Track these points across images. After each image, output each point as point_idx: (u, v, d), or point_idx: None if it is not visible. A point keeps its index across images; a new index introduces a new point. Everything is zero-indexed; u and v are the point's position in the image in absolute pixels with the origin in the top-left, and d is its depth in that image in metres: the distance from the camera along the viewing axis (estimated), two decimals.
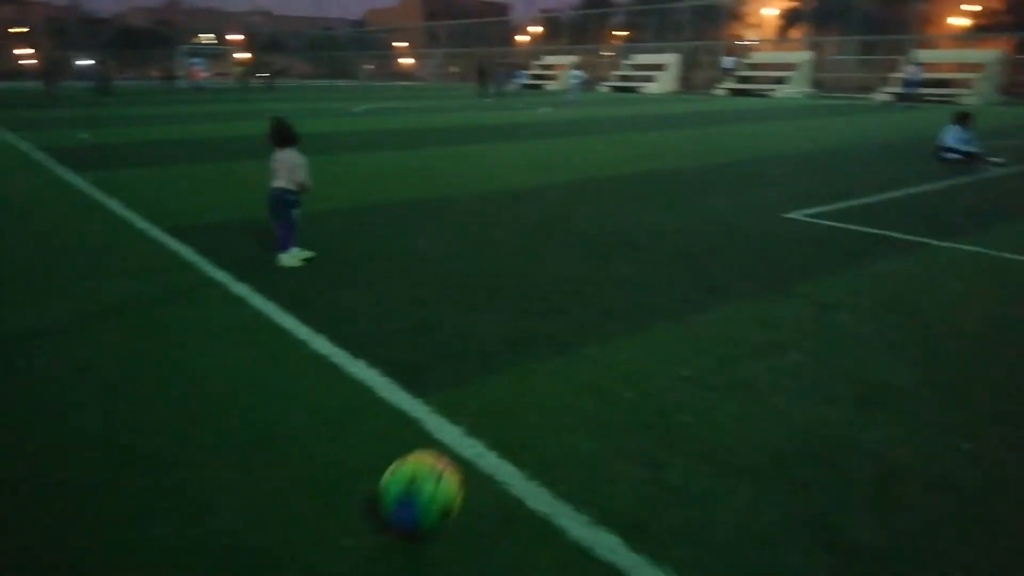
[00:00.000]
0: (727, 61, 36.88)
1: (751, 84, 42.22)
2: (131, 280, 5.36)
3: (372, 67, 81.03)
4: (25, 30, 77.99)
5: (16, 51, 74.85)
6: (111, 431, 3.19)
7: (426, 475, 2.42)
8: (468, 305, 4.89)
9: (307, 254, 5.86)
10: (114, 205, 8.05)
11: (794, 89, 40.44)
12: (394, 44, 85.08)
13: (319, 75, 79.02)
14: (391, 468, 2.49)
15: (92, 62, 64.16)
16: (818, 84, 43.78)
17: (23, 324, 4.51)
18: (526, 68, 54.10)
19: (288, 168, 5.65)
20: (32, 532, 2.53)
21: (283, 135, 5.70)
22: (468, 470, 2.78)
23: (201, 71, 42.50)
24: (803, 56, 42.63)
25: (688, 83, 46.01)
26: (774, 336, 4.36)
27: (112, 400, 3.48)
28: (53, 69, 35.26)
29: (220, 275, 5.42)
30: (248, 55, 74.17)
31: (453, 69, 76.15)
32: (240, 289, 5.08)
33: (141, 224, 7.11)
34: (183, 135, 15.98)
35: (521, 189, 9.49)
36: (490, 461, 2.95)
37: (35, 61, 71.69)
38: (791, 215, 7.89)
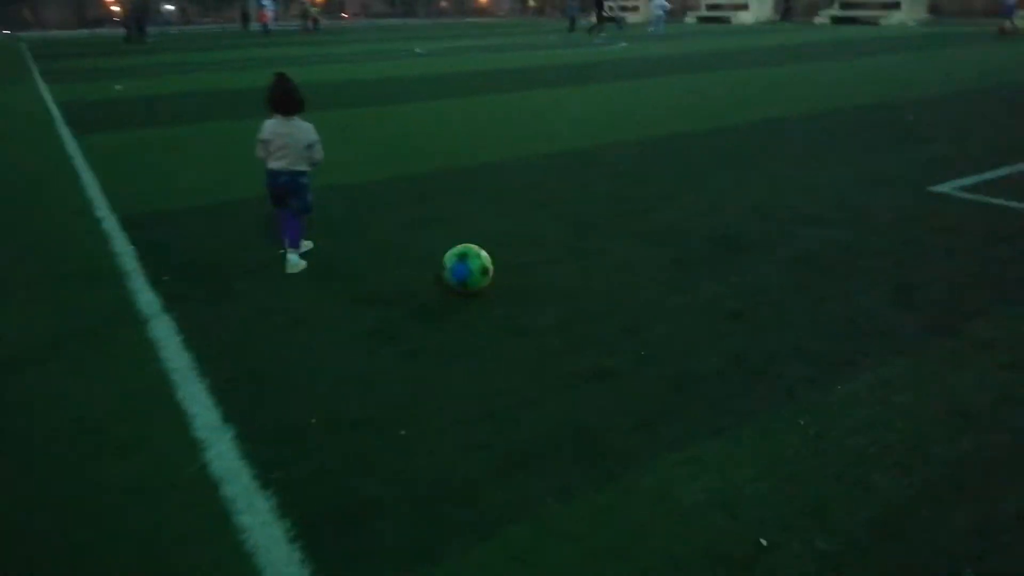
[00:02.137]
0: None
1: (857, 11, 37.95)
2: (25, 303, 3.96)
3: (446, 3, 78.49)
4: None
5: None
6: None
7: (472, 250, 3.84)
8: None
9: (308, 245, 4.53)
10: (87, 179, 6.72)
11: (907, 15, 36.07)
12: None
13: (393, 14, 77.09)
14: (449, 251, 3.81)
15: (172, 8, 64.34)
16: (935, 9, 39.02)
17: None
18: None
19: (303, 145, 4.23)
20: None
21: (291, 99, 4.20)
22: None
23: (268, 13, 41.24)
24: None
25: (786, 10, 41.79)
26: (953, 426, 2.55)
27: None
28: (139, 15, 34.56)
29: (146, 298, 3.94)
30: None
31: (531, 2, 72.67)
32: (159, 328, 3.59)
33: (101, 210, 5.73)
34: (215, 85, 14.65)
35: (587, 149, 7.65)
36: None
37: (119, 8, 72.68)
38: (940, 188, 5.82)
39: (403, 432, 2.66)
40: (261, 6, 43.27)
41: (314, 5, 59.39)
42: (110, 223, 5.36)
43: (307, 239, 4.51)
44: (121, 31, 34.44)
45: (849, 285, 3.92)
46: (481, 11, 77.90)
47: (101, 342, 3.47)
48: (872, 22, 35.54)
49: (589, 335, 3.41)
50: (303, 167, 4.27)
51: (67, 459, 2.58)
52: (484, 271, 3.81)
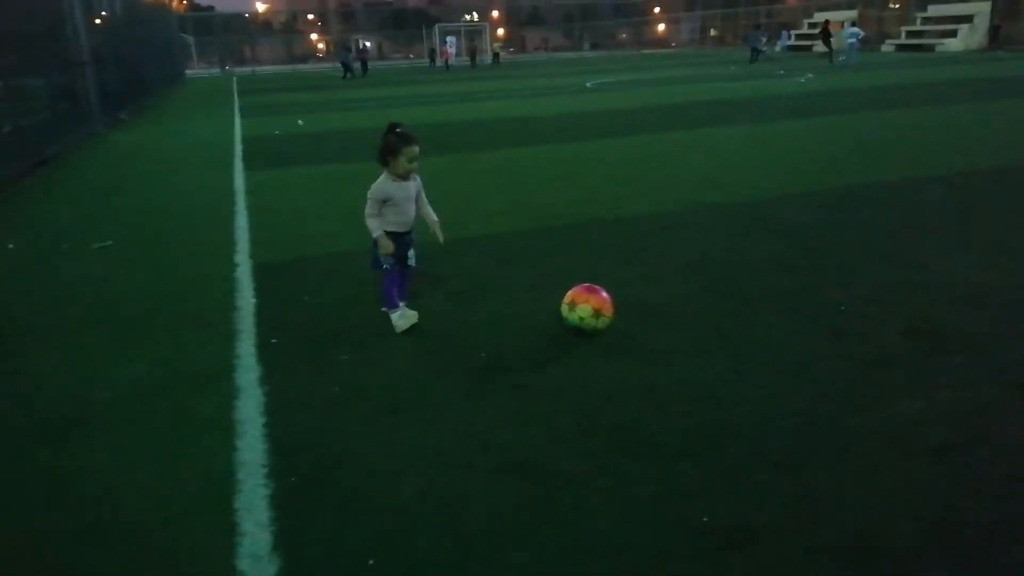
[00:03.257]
0: None
1: None
2: (122, 350, 3.83)
3: (625, 36, 78.43)
4: (311, 17, 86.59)
5: (312, 36, 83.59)
6: None
7: (584, 321, 3.73)
8: None
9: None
10: (240, 219, 6.84)
11: None
12: (652, 10, 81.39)
13: (572, 47, 78.22)
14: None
15: (368, 44, 69.36)
16: None
17: None
18: (792, 27, 48.15)
19: (419, 201, 4.01)
20: None
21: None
22: None
23: (450, 50, 43.08)
24: None
25: (1000, 38, 37.33)
26: None
27: None
28: (363, 56, 36.62)
29: (246, 364, 3.68)
30: (503, 32, 75.54)
31: (712, 32, 70.78)
32: (248, 405, 3.28)
33: (241, 254, 5.72)
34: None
35: (752, 200, 6.77)
36: None
37: (323, 45, 79.59)
38: None
39: None
40: (444, 43, 45.44)
41: (497, 41, 61.73)
42: (244, 270, 5.29)
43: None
44: (334, 66, 36.99)
45: None
46: (658, 42, 76.99)
47: (183, 413, 3.21)
48: None
49: (729, 468, 2.66)
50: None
51: (98, 557, 2.26)
52: (595, 315, 3.75)
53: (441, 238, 4.11)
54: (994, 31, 36.87)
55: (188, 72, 43.72)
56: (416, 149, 3.79)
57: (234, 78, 38.97)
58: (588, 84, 23.72)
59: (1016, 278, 4.48)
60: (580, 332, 3.76)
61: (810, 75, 23.39)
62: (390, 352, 3.77)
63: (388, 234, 3.86)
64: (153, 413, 3.24)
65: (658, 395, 3.20)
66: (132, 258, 5.77)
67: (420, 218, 4.06)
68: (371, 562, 2.25)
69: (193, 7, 76.30)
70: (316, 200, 7.65)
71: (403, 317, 3.98)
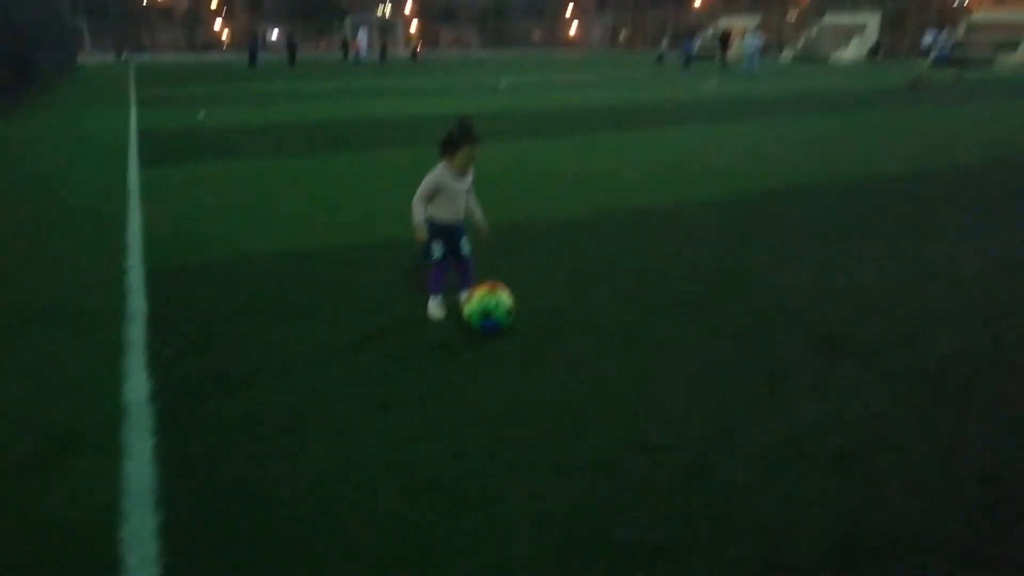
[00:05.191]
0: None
1: (966, 52, 35.72)
2: (1, 375, 3.51)
3: (538, 35, 79.12)
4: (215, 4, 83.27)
5: (215, 24, 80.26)
6: None
7: (491, 303, 3.77)
8: None
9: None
10: (133, 219, 6.43)
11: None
12: (564, 12, 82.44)
13: (485, 44, 78.27)
14: (466, 309, 3.83)
15: (277, 33, 67.04)
16: None
17: None
18: (698, 33, 49.70)
19: (468, 195, 4.12)
20: None
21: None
22: None
23: (361, 43, 42.20)
24: None
25: (890, 49, 39.74)
26: None
27: None
28: (258, 43, 36.10)
29: (135, 382, 3.43)
30: (417, 26, 74.79)
31: (623, 35, 72.25)
32: (135, 427, 3.05)
33: (133, 256, 5.36)
34: (298, 117, 14.58)
35: (660, 206, 6.89)
36: None
37: (227, 34, 76.58)
38: None
39: None
40: (355, 36, 44.46)
41: (411, 38, 61.07)
42: (135, 275, 4.95)
43: None
44: (235, 56, 36.18)
45: (989, 423, 3.03)
46: (571, 43, 78.05)
47: (63, 435, 2.95)
48: (985, 64, 33.32)
49: (640, 482, 2.66)
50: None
51: None
52: (509, 312, 3.83)
53: (484, 229, 4.22)
54: (875, 48, 38.97)
55: (80, 59, 41.14)
56: (477, 149, 3.91)
57: (131, 66, 36.93)
58: (501, 85, 23.72)
59: (905, 284, 4.71)
60: (497, 323, 3.83)
61: (714, 82, 24.19)
62: (293, 365, 3.60)
63: (439, 226, 3.98)
64: (29, 434, 2.97)
65: (569, 407, 3.17)
66: (8, 265, 5.32)
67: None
68: None
69: None
70: (217, 200, 7.28)
71: (439, 306, 4.11)
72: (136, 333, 3.97)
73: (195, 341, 3.87)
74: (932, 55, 20.11)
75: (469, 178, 4.06)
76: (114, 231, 6.05)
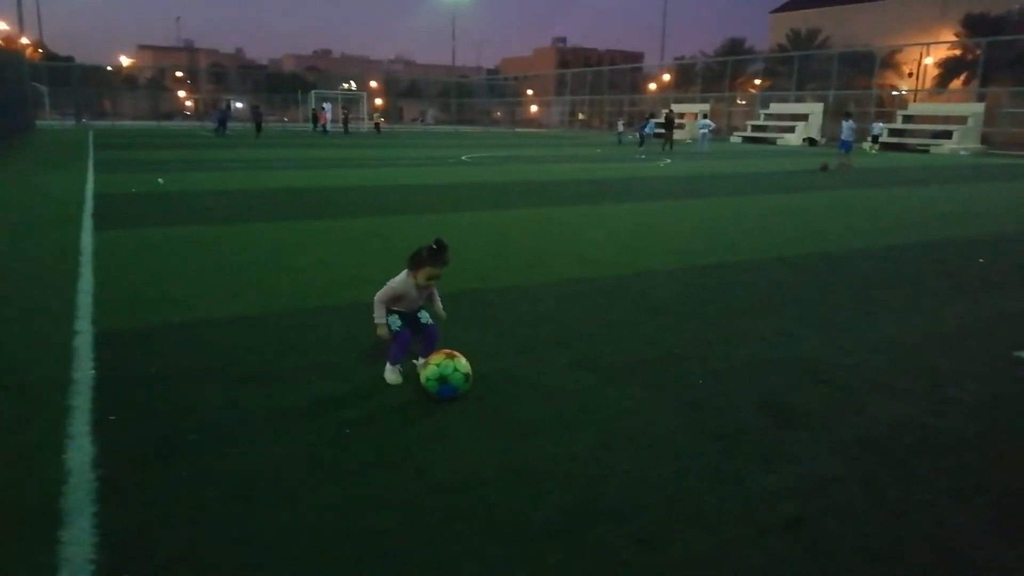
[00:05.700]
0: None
1: (907, 139, 37.86)
2: None
3: (499, 114, 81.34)
4: (180, 75, 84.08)
5: (180, 93, 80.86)
6: None
7: (448, 368, 3.79)
8: None
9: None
10: (84, 282, 6.31)
11: (960, 145, 35.74)
12: (525, 92, 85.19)
13: (449, 121, 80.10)
14: (423, 374, 3.85)
15: (242, 105, 67.80)
16: (985, 140, 38.69)
17: None
18: (654, 116, 51.78)
19: (431, 299, 4.30)
20: None
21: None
22: None
23: (327, 115, 42.95)
24: (973, 108, 37.80)
25: (832, 135, 41.93)
26: None
27: None
28: (225, 114, 38.11)
29: (77, 448, 3.31)
30: (381, 101, 76.40)
31: (580, 116, 74.78)
32: (74, 497, 2.93)
33: (83, 320, 5.24)
34: (255, 184, 14.63)
35: (617, 276, 7.03)
36: None
37: (192, 103, 77.11)
38: None
39: None
40: (322, 109, 45.33)
41: (376, 110, 62.30)
42: (84, 338, 4.84)
43: None
44: (198, 124, 38.04)
45: (935, 490, 3.10)
46: (531, 121, 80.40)
47: None
48: (922, 150, 35.28)
49: (595, 549, 2.64)
50: None
51: None
52: (467, 378, 3.87)
53: (441, 316, 4.33)
54: (811, 140, 40.99)
55: (39, 123, 40.86)
56: (441, 272, 4.03)
57: (91, 131, 36.79)
58: (464, 157, 24.23)
59: (852, 357, 4.85)
60: (454, 389, 3.85)
61: (668, 160, 25.09)
62: (243, 430, 3.52)
63: (397, 313, 4.10)
64: None
65: (525, 473, 3.15)
66: None
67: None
68: None
69: (49, 56, 72.06)
70: (172, 264, 7.21)
71: (391, 372, 4.12)
72: (82, 398, 3.86)
73: (143, 406, 3.77)
74: (839, 142, 21.64)
75: (432, 290, 4.21)
76: (64, 294, 5.92)
